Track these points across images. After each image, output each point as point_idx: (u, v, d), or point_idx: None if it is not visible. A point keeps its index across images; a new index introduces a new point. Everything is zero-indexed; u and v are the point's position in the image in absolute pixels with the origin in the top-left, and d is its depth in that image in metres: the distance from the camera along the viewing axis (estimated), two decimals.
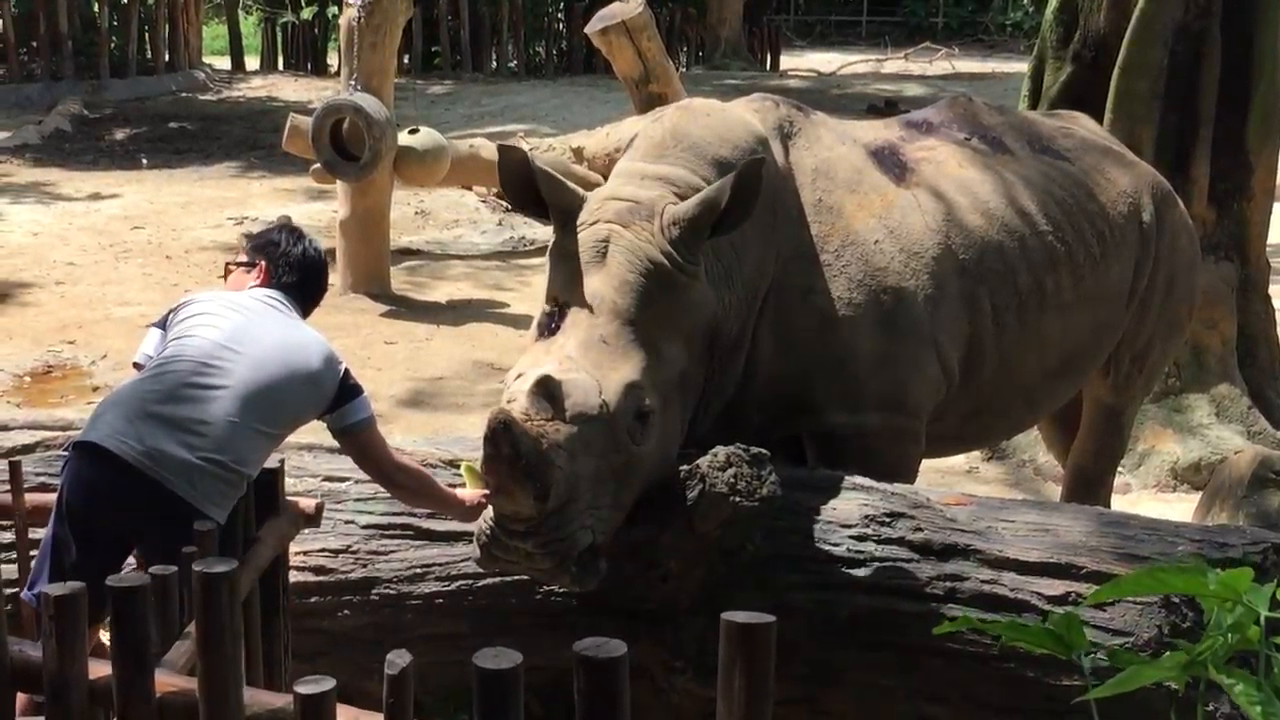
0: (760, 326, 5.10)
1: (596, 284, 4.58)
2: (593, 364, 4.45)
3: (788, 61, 34.95)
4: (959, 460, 8.28)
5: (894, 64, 35.09)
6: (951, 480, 8.08)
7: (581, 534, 4.36)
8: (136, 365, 4.66)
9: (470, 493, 4.61)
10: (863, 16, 46.19)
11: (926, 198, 5.49)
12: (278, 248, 4.78)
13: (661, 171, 4.85)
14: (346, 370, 4.52)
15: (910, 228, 5.36)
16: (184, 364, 4.38)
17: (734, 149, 4.99)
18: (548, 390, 4.32)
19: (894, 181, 5.48)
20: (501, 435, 4.23)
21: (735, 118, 5.18)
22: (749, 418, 5.15)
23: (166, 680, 2.80)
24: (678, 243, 4.62)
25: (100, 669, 2.70)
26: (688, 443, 5.16)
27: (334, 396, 4.47)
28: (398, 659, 2.47)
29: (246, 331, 4.47)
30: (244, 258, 4.87)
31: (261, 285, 4.73)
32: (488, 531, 4.44)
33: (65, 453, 4.45)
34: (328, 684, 2.73)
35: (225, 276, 4.90)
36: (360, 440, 4.55)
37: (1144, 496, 8.10)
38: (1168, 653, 1.71)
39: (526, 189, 4.75)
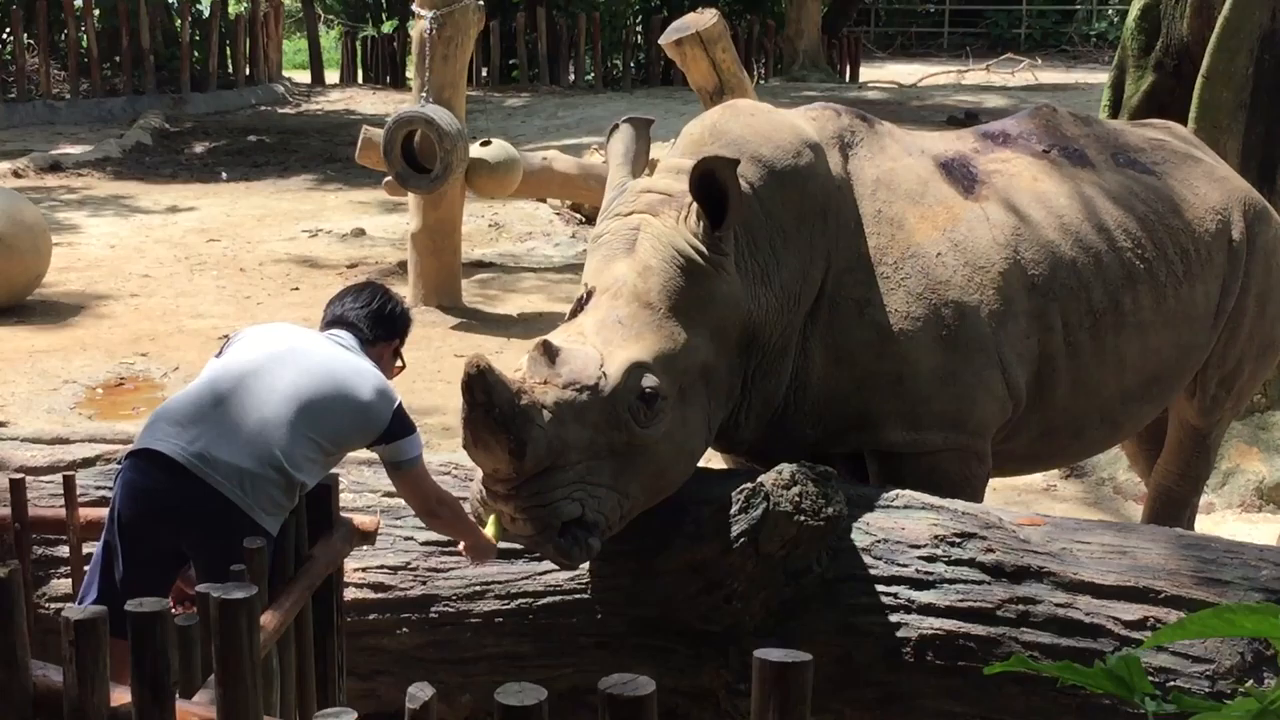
0: (811, 338, 5.02)
1: (621, 268, 4.67)
2: (603, 341, 4.49)
3: (867, 73, 34.75)
4: (1036, 478, 8.11)
5: (976, 75, 34.79)
6: (1028, 499, 7.91)
7: (567, 504, 4.34)
8: None
9: (490, 533, 4.58)
10: (945, 28, 45.89)
11: (996, 211, 5.35)
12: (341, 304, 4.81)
13: None
14: (400, 406, 4.50)
15: (976, 241, 5.23)
16: (234, 372, 4.37)
17: (775, 148, 4.97)
18: (546, 353, 4.38)
19: (962, 194, 5.35)
20: (475, 381, 4.24)
21: (781, 120, 5.15)
22: (803, 431, 5.07)
23: (188, 709, 2.72)
24: (702, 232, 4.66)
25: (124, 695, 2.62)
26: (732, 448, 5.06)
27: (386, 429, 4.43)
28: (419, 692, 2.37)
29: (297, 348, 4.47)
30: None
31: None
32: (480, 493, 4.46)
33: (120, 464, 4.42)
34: (347, 716, 2.64)
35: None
36: (406, 476, 4.54)
37: (1228, 516, 7.89)
38: (1237, 698, 1.58)
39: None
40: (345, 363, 4.46)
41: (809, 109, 5.36)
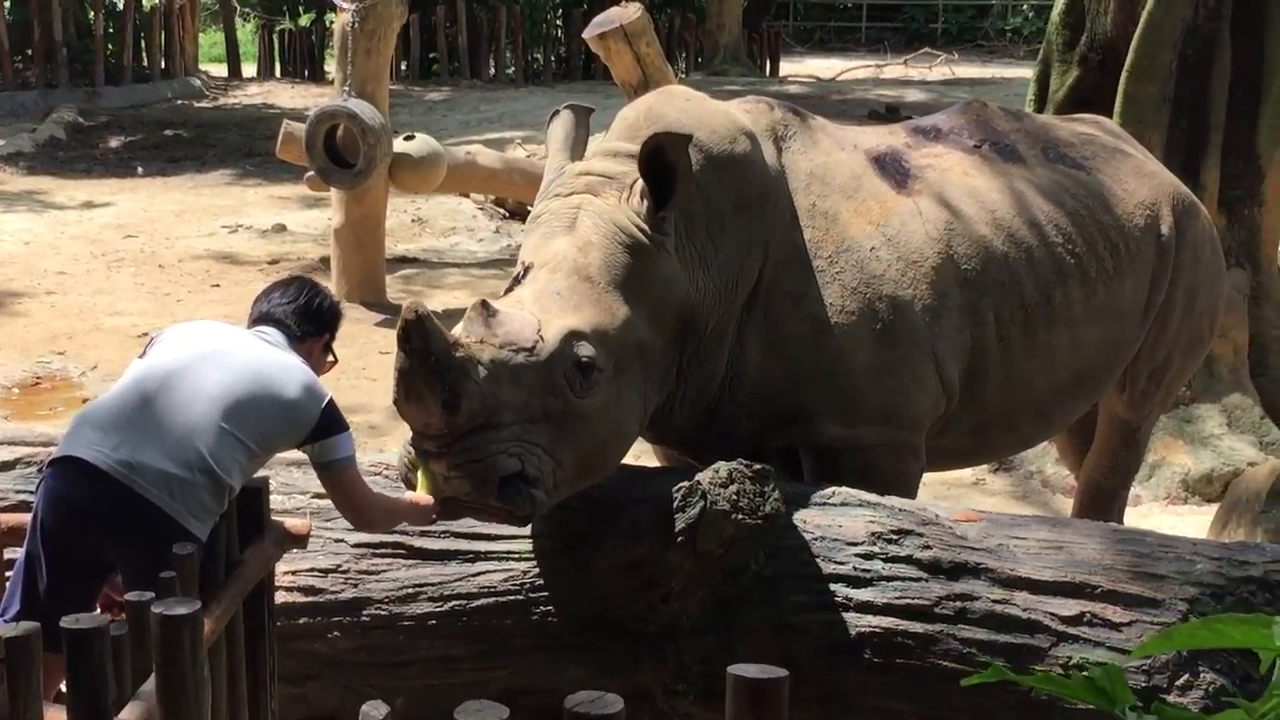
0: (747, 329, 5.01)
1: (561, 244, 4.67)
2: (541, 310, 4.48)
3: (787, 67, 34.82)
4: (965, 472, 8.12)
5: (894, 70, 34.97)
6: (958, 493, 7.93)
7: (504, 459, 4.28)
8: None
9: (421, 495, 4.47)
10: (862, 23, 46.09)
11: (929, 206, 5.35)
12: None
13: (634, 150, 4.83)
14: (331, 403, 4.38)
15: (910, 236, 5.22)
16: (158, 374, 4.25)
17: (711, 133, 4.97)
18: (484, 314, 4.36)
19: (895, 189, 5.35)
20: (412, 328, 4.20)
21: (717, 107, 5.15)
22: (738, 423, 5.05)
23: None
24: (646, 211, 4.68)
25: (58, 715, 2.52)
26: (665, 436, 5.07)
27: (315, 427, 4.32)
28: (373, 711, 2.29)
29: (222, 348, 4.35)
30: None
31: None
32: (407, 455, 4.40)
33: (41, 472, 4.29)
34: None
35: None
36: (337, 478, 4.42)
37: (1155, 509, 7.95)
38: (1225, 710, 1.55)
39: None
40: (272, 361, 4.35)
41: (742, 102, 5.34)
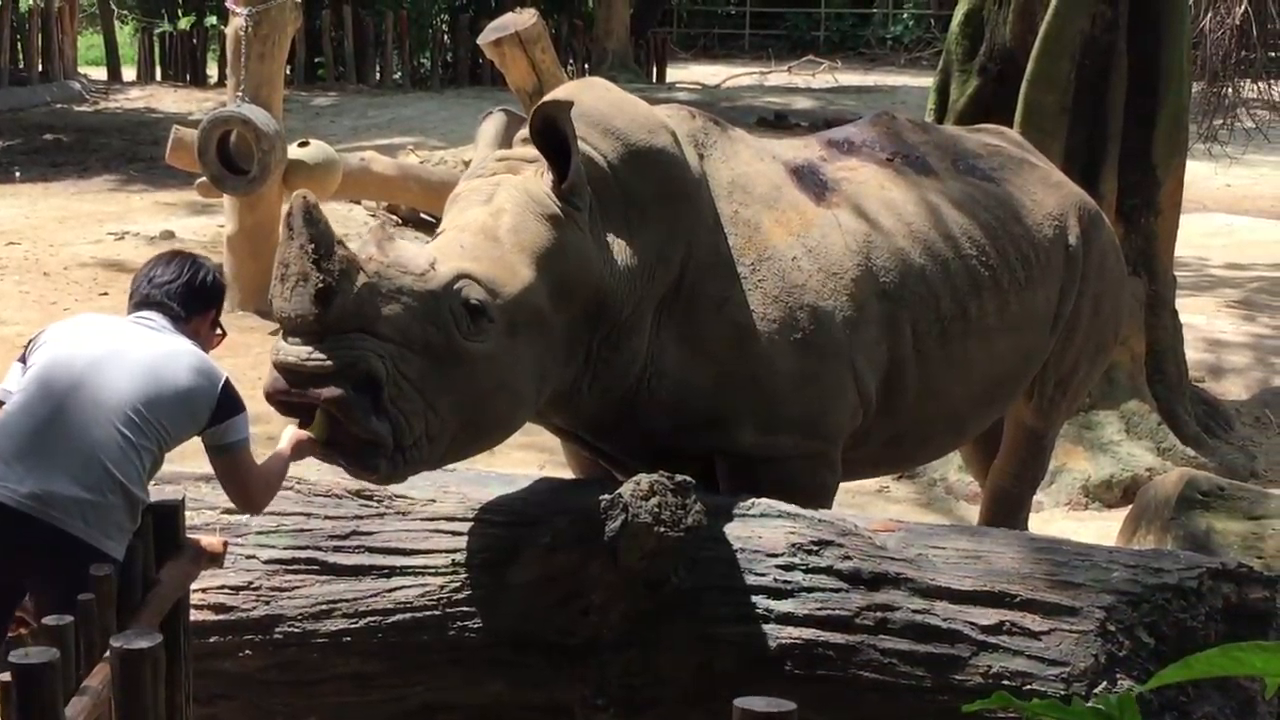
0: (668, 329, 4.99)
1: (475, 212, 4.67)
2: (441, 254, 4.47)
3: (673, 74, 34.93)
4: (869, 480, 8.15)
5: (778, 77, 35.24)
6: (863, 500, 7.96)
7: (372, 359, 4.20)
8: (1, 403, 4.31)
9: (285, 444, 4.38)
10: (745, 30, 46.33)
11: (847, 218, 5.37)
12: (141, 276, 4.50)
13: None
14: (227, 383, 4.26)
15: (830, 248, 5.24)
16: (53, 393, 4.09)
17: (630, 121, 4.98)
18: (379, 236, 4.38)
19: (814, 200, 5.36)
20: (300, 210, 4.17)
21: (637, 100, 5.18)
22: (653, 420, 5.02)
23: None
24: (551, 185, 4.69)
25: None
26: (576, 419, 5.04)
27: (213, 411, 4.20)
28: None
29: (108, 349, 4.18)
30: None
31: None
32: (275, 355, 4.27)
33: None
34: None
35: None
36: (232, 460, 4.29)
37: (1056, 515, 8.05)
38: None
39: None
40: (160, 353, 4.19)
41: (663, 109, 5.33)
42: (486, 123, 5.25)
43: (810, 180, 5.45)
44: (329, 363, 4.17)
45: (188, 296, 4.40)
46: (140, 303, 4.39)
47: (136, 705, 2.46)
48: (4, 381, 4.35)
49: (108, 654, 3.34)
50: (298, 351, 4.20)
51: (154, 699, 2.48)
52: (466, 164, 14.49)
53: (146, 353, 4.19)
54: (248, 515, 4.84)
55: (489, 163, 4.93)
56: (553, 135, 4.64)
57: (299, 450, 4.35)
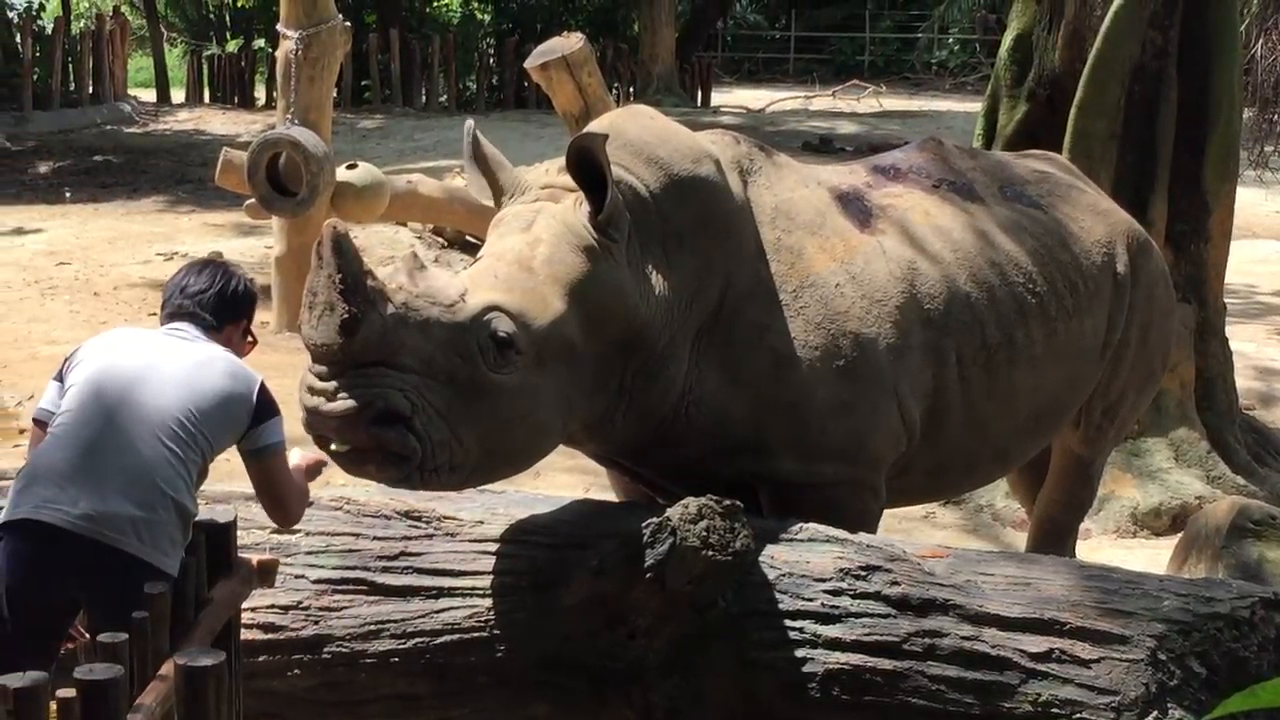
0: (707, 357, 4.97)
1: (512, 240, 4.68)
2: (473, 284, 4.48)
3: (718, 98, 34.99)
4: (915, 506, 8.13)
5: (822, 101, 35.24)
6: (908, 526, 7.92)
7: (394, 394, 4.23)
8: (37, 422, 4.34)
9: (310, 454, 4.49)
10: (790, 54, 46.38)
11: (892, 245, 5.35)
12: (173, 286, 4.50)
13: None
14: (263, 387, 4.30)
15: (874, 274, 5.22)
16: (94, 412, 4.11)
17: (673, 151, 4.97)
18: (410, 265, 4.39)
19: (859, 227, 5.34)
20: (330, 241, 4.18)
21: (681, 129, 5.17)
22: (689, 446, 5.01)
23: None
24: (587, 216, 4.69)
25: None
26: (609, 444, 5.03)
27: (252, 416, 4.24)
28: None
29: (145, 363, 4.21)
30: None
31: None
32: (301, 387, 4.32)
33: None
34: None
35: None
36: (268, 464, 4.32)
37: (1104, 542, 8.00)
38: None
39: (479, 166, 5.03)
40: (197, 362, 4.22)
41: (708, 134, 5.33)
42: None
43: (855, 206, 5.43)
44: (349, 404, 4.21)
45: (220, 306, 4.42)
46: (173, 314, 4.42)
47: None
48: (42, 400, 4.36)
49: (161, 671, 3.36)
50: (322, 387, 4.24)
51: (217, 717, 2.49)
52: None
53: (182, 365, 4.22)
54: (292, 534, 4.89)
55: (530, 190, 4.94)
56: (589, 167, 4.63)
57: (311, 473, 4.46)
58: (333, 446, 4.36)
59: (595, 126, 5.10)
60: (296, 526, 4.87)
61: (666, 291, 4.84)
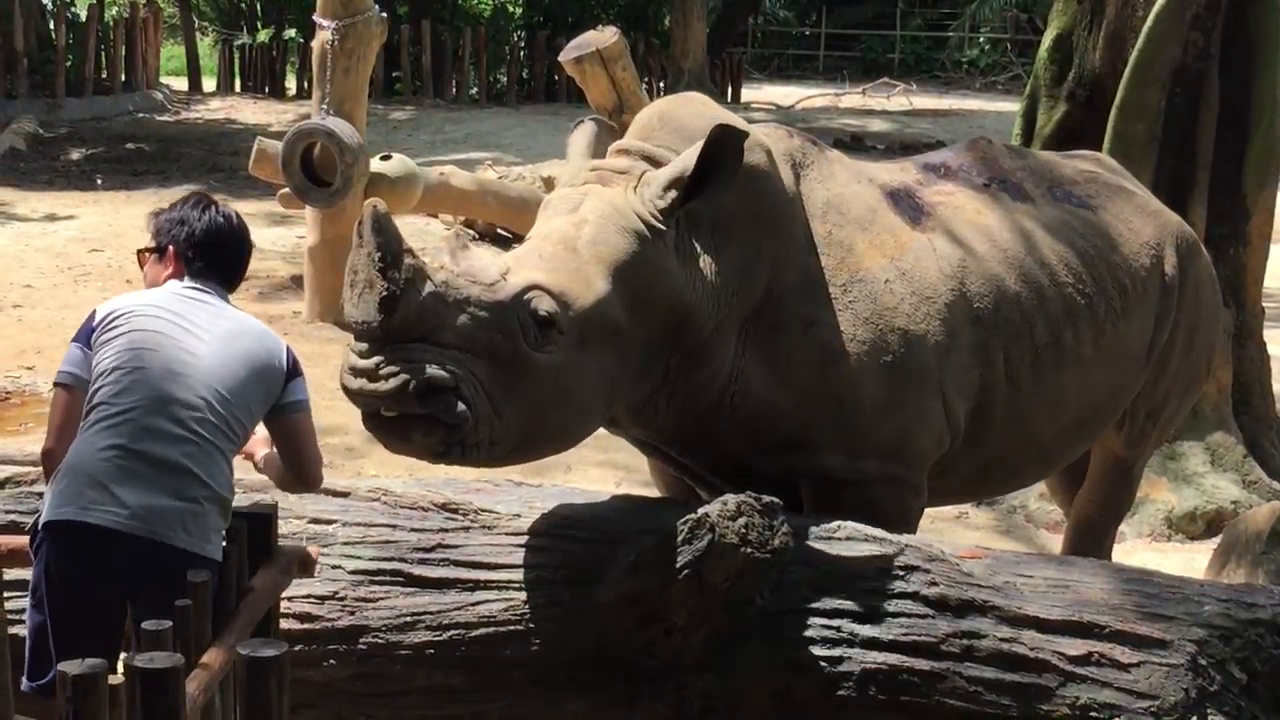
0: (753, 349, 4.96)
1: (560, 221, 4.69)
2: (517, 263, 4.51)
3: (747, 94, 34.99)
4: (947, 506, 8.10)
5: (851, 99, 35.22)
6: (940, 526, 7.90)
7: (435, 369, 4.24)
8: (62, 385, 4.29)
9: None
10: (820, 51, 46.32)
11: (942, 243, 5.34)
12: (184, 227, 4.44)
13: (646, 149, 4.92)
14: (288, 349, 4.37)
15: (924, 272, 5.20)
16: (134, 402, 4.11)
17: None
18: (453, 244, 4.43)
19: (909, 224, 5.33)
20: (370, 218, 4.21)
21: (734, 116, 5.14)
22: (732, 439, 5.00)
23: None
24: (647, 198, 4.69)
25: None
26: (650, 430, 5.02)
27: (285, 379, 4.30)
28: None
29: (183, 345, 4.21)
30: (153, 242, 4.54)
31: (174, 276, 4.43)
32: (343, 366, 4.36)
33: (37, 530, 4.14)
34: None
35: (141, 265, 4.59)
36: (293, 422, 4.38)
37: (1139, 546, 7.96)
38: None
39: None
40: (231, 333, 4.25)
41: (760, 127, 5.32)
42: (577, 133, 5.29)
43: (905, 204, 5.41)
44: (388, 385, 4.23)
45: (238, 271, 4.52)
46: (192, 270, 4.39)
47: (261, 714, 2.47)
48: (66, 363, 4.30)
49: (203, 660, 3.37)
50: (363, 365, 4.26)
51: (279, 707, 2.49)
52: (544, 180, 14.57)
53: (214, 342, 4.22)
54: (329, 524, 4.89)
55: (581, 172, 4.95)
56: (717, 152, 4.62)
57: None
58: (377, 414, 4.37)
59: (649, 114, 5.13)
60: (332, 516, 4.90)
61: (714, 278, 4.83)
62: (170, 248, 4.45)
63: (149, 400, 4.12)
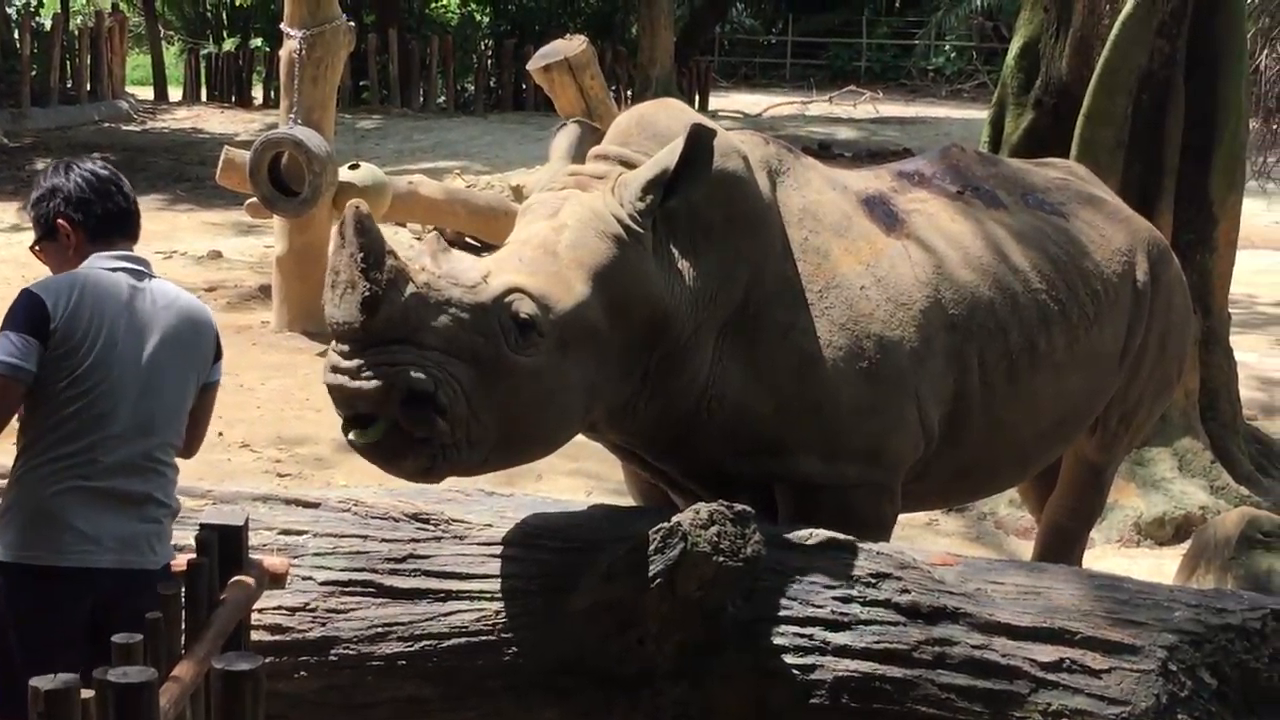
0: (731, 354, 4.97)
1: (539, 225, 4.71)
2: (497, 267, 4.53)
3: (715, 102, 35.05)
4: (918, 513, 8.12)
5: (818, 106, 35.32)
6: (911, 533, 7.91)
7: (417, 375, 4.25)
8: (7, 378, 4.01)
9: None
10: (787, 59, 46.45)
11: (916, 249, 5.36)
12: (58, 195, 4.27)
13: (624, 155, 4.94)
14: (215, 322, 4.44)
15: (899, 278, 5.23)
16: (98, 436, 4.08)
17: None
18: (433, 247, 4.46)
19: (884, 231, 5.36)
20: (353, 220, 4.23)
21: (710, 122, 5.11)
22: (710, 444, 5.01)
23: None
24: (625, 201, 4.71)
25: None
26: (627, 433, 5.02)
27: (215, 355, 4.38)
28: None
29: (139, 361, 4.17)
30: (38, 230, 4.35)
31: (77, 249, 4.27)
32: (325, 366, 4.38)
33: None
34: None
35: (43, 261, 4.39)
36: (206, 403, 4.43)
37: (1107, 551, 8.00)
38: None
39: None
40: (175, 331, 4.24)
41: (736, 134, 5.33)
42: (560, 136, 5.32)
43: (881, 211, 5.44)
44: (370, 385, 4.24)
45: (132, 218, 4.47)
46: (96, 233, 4.29)
47: None
48: (9, 352, 4.01)
49: (174, 673, 3.35)
50: (345, 365, 4.28)
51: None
52: (513, 188, 14.56)
53: (164, 353, 4.21)
54: (299, 535, 4.89)
55: (558, 177, 4.96)
56: (696, 150, 4.65)
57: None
58: (356, 440, 4.39)
59: (627, 119, 5.15)
60: (303, 527, 4.89)
61: (693, 282, 4.85)
62: (59, 222, 4.28)
63: (112, 438, 4.11)
